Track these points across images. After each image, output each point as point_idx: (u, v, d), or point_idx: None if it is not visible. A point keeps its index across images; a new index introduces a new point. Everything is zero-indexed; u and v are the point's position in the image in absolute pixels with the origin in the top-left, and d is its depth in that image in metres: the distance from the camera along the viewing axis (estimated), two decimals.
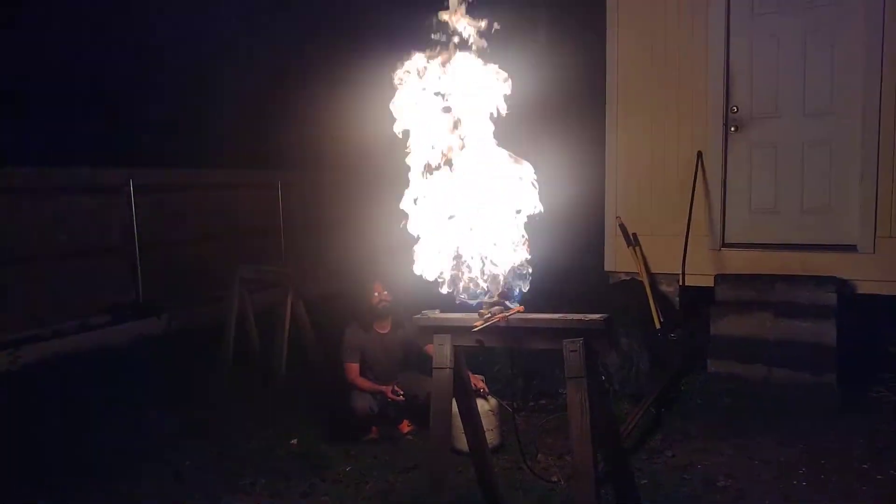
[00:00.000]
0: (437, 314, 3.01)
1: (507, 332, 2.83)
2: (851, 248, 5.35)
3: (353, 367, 4.46)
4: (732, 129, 5.77)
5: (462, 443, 3.67)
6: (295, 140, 11.49)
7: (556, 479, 3.65)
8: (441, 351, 2.98)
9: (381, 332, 4.54)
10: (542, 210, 2.77)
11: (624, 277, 6.14)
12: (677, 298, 5.88)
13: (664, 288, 5.94)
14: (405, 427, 4.51)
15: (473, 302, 2.86)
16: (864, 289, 5.26)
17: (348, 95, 11.85)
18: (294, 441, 4.39)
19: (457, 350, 3.01)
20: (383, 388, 4.35)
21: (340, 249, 10.57)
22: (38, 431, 4.50)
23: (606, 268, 6.28)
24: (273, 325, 5.78)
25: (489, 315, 2.82)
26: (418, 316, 3.04)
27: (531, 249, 2.88)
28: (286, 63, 12.09)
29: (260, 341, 6.22)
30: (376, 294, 4.46)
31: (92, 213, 7.09)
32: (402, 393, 4.31)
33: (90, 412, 4.77)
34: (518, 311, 2.84)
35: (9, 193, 6.35)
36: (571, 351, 2.67)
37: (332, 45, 12.35)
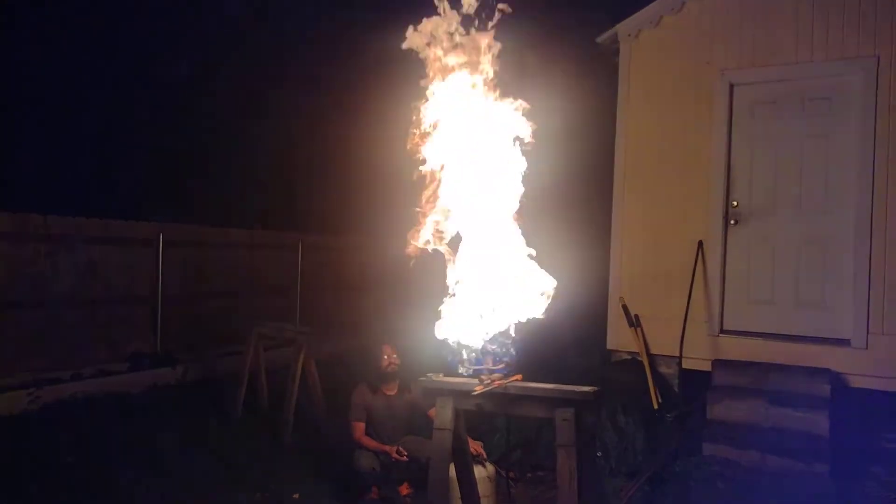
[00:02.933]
0: (440, 377, 3.27)
1: (504, 399, 3.08)
2: (845, 342, 5.54)
3: (360, 426, 4.65)
4: (732, 222, 6.10)
5: None
6: (317, 203, 12.04)
7: None
8: (443, 413, 3.22)
9: (389, 393, 4.75)
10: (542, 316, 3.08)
11: (625, 356, 6.34)
12: (676, 380, 6.05)
13: (663, 369, 6.12)
14: (405, 489, 4.66)
15: (476, 368, 3.12)
16: (857, 383, 5.42)
17: (373, 164, 12.47)
18: (296, 495, 4.55)
19: (458, 412, 3.25)
20: (388, 448, 4.53)
21: (355, 310, 10.89)
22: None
23: (609, 346, 6.49)
24: (284, 382, 6.01)
25: (489, 381, 3.08)
26: (423, 378, 3.30)
27: (535, 327, 3.17)
28: (314, 129, 12.78)
29: (270, 397, 6.45)
30: (385, 357, 4.70)
31: (121, 264, 7.48)
32: (406, 454, 4.49)
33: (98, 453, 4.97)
34: (516, 380, 3.10)
35: (45, 241, 6.75)
36: (563, 420, 2.91)
37: (358, 116, 13.05)
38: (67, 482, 4.49)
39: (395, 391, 4.76)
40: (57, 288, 6.81)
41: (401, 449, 4.50)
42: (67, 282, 6.90)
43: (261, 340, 6.45)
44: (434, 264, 3.20)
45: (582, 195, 8.23)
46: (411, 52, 3.04)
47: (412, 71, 3.11)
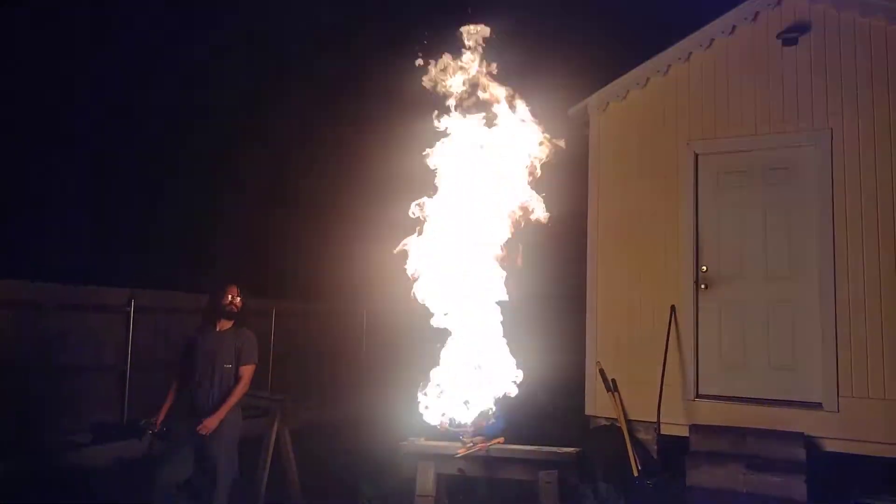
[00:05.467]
0: (422, 441, 3.23)
1: (487, 462, 3.06)
2: (817, 406, 5.62)
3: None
4: (703, 286, 6.25)
5: None
6: (290, 269, 12.05)
7: None
8: (425, 479, 3.18)
9: (220, 329, 4.67)
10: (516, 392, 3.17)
11: (604, 422, 6.31)
12: (654, 446, 6.02)
13: (642, 435, 6.10)
14: None
15: (457, 431, 3.11)
16: (831, 446, 5.46)
17: (350, 232, 12.63)
18: None
19: (439, 478, 3.20)
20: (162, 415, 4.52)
21: (328, 379, 10.70)
22: None
23: (587, 411, 6.47)
24: (257, 453, 5.82)
25: (471, 444, 3.06)
26: (404, 442, 3.26)
27: (515, 391, 3.20)
28: (287, 196, 12.98)
29: (241, 469, 6.22)
30: (229, 296, 4.63)
31: (90, 330, 7.30)
32: (156, 431, 4.48)
33: None
34: (498, 443, 3.09)
35: (13, 307, 6.58)
36: (546, 482, 2.89)
37: (336, 178, 13.29)
38: None
39: (227, 329, 4.67)
40: (21, 355, 6.60)
41: (159, 425, 4.49)
42: (31, 349, 6.69)
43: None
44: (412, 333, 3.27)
45: (560, 265, 8.37)
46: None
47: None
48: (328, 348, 10.88)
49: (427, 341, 3.28)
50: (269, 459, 5.68)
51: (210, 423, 4.42)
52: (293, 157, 13.17)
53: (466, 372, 3.19)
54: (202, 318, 4.72)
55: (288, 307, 10.12)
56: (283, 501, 5.86)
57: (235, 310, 4.63)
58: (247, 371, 4.70)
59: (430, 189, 3.42)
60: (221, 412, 4.51)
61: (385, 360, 11.01)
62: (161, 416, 4.41)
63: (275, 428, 5.75)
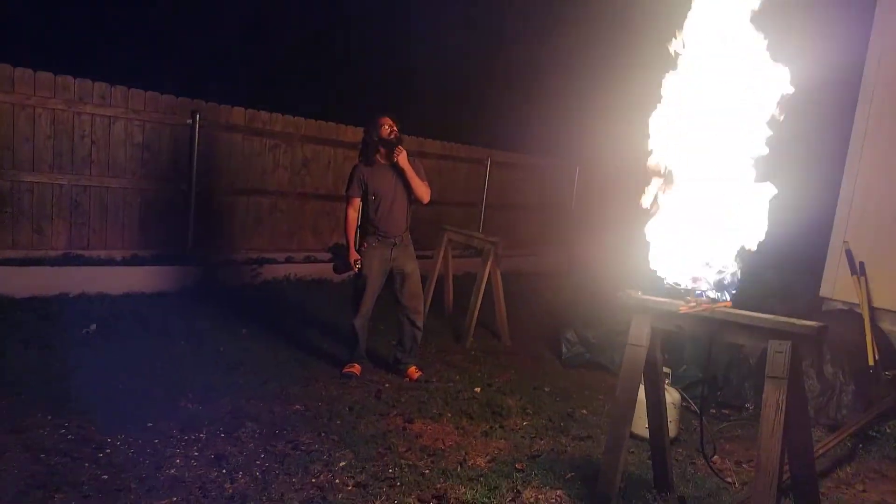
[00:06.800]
0: (640, 294, 3.17)
1: (710, 323, 2.92)
2: None
3: (354, 201, 4.79)
4: None
5: (636, 428, 3.81)
6: (508, 123, 12.06)
7: (730, 480, 3.63)
8: (639, 329, 3.14)
9: (384, 163, 4.72)
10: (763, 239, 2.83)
11: (839, 306, 5.69)
12: None
13: (886, 326, 5.41)
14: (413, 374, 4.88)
15: (681, 287, 2.98)
16: None
17: (567, 89, 12.17)
18: (478, 388, 4.80)
19: (654, 332, 3.15)
20: (353, 253, 4.76)
21: (537, 231, 10.93)
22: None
23: (822, 293, 5.85)
24: (470, 288, 6.25)
25: (695, 304, 2.93)
26: (622, 293, 3.22)
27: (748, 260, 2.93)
28: (511, 54, 12.71)
29: (455, 302, 6.77)
30: (386, 126, 4.63)
31: (329, 162, 8.09)
32: (358, 268, 4.72)
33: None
34: (725, 305, 2.92)
35: (269, 136, 7.47)
36: (777, 352, 2.70)
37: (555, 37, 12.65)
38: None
39: (390, 163, 4.71)
40: (271, 180, 7.56)
41: (355, 262, 4.71)
42: (284, 175, 7.64)
43: (449, 246, 6.72)
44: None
45: (810, 124, 7.29)
46: None
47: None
48: (538, 201, 10.99)
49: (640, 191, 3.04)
50: (480, 296, 6.09)
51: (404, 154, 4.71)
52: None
53: (695, 228, 2.95)
54: (361, 154, 4.82)
55: (503, 158, 10.25)
56: (490, 335, 6.34)
57: (396, 138, 4.68)
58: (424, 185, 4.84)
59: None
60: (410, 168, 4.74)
61: (595, 214, 10.86)
62: (352, 251, 4.78)
63: (488, 267, 6.08)
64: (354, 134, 8.24)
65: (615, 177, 9.98)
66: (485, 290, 6.07)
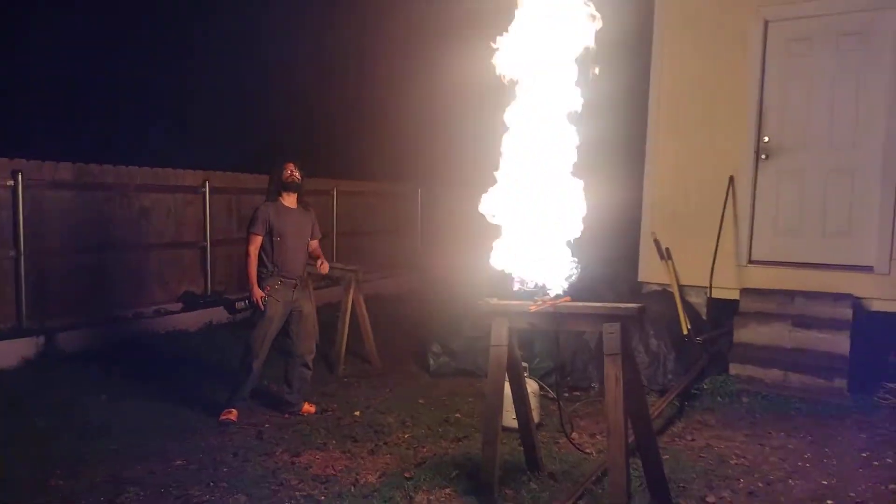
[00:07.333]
0: (496, 301, 3.61)
1: (556, 317, 3.43)
2: (868, 269, 5.79)
3: (256, 240, 4.84)
4: (763, 156, 6.28)
5: (506, 420, 4.26)
6: (350, 149, 12.40)
7: (589, 451, 4.20)
8: (499, 331, 3.59)
9: (288, 206, 4.95)
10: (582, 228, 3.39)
11: (656, 288, 6.66)
12: (704, 308, 6.38)
13: (692, 299, 6.44)
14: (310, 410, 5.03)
15: (529, 290, 3.46)
16: (877, 306, 5.71)
17: (402, 114, 12.72)
18: (357, 412, 5.02)
19: (512, 331, 3.61)
20: (256, 290, 4.77)
21: (390, 253, 11.32)
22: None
23: (640, 278, 6.81)
24: (332, 318, 6.44)
25: (541, 302, 3.42)
26: (480, 302, 3.64)
27: (577, 256, 3.49)
28: (350, 73, 13.07)
29: (321, 332, 6.90)
30: (288, 171, 4.88)
31: (171, 209, 7.86)
32: (262, 304, 4.75)
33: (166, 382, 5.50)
34: (566, 300, 3.44)
35: (101, 189, 7.12)
36: (610, 333, 3.25)
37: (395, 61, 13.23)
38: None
39: (295, 206, 4.99)
40: (111, 234, 7.21)
41: (262, 299, 4.75)
42: (123, 227, 7.31)
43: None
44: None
45: (616, 132, 8.39)
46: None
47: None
48: (388, 225, 11.41)
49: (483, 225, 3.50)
50: (346, 323, 6.30)
51: (326, 265, 5.18)
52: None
53: (532, 238, 3.45)
54: (267, 196, 4.96)
55: (348, 188, 10.54)
56: (360, 361, 6.56)
57: (297, 181, 4.90)
58: (317, 243, 5.14)
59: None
60: (326, 264, 5.22)
61: (442, 234, 11.49)
62: (256, 289, 4.79)
63: (350, 294, 6.31)
64: (194, 178, 8.11)
65: (455, 193, 10.69)
66: (350, 316, 6.30)
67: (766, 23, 6.19)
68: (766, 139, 6.27)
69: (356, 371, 6.23)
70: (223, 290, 8.26)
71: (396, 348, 7.00)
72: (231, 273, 8.47)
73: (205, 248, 8.14)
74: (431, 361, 6.20)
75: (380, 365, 6.43)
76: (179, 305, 7.75)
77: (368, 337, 6.49)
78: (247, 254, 4.83)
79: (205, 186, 8.10)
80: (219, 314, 7.68)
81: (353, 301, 6.33)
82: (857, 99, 5.94)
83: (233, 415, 4.81)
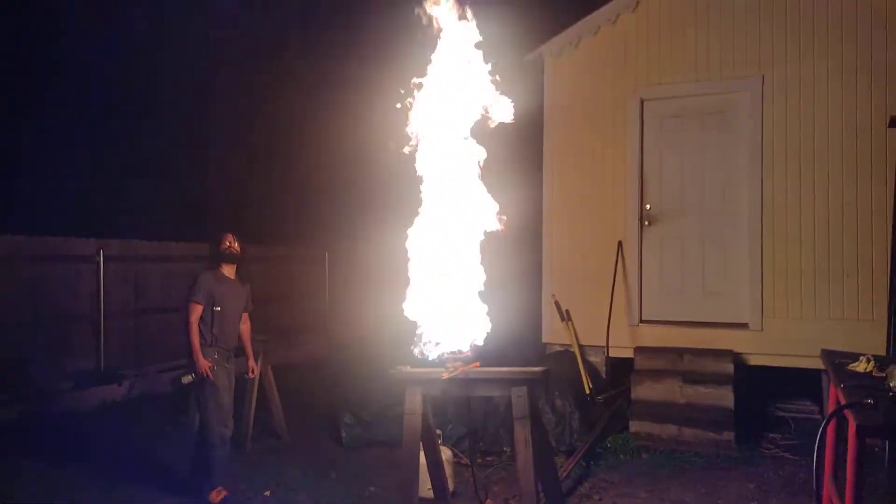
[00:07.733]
0: (408, 369, 3.70)
1: (467, 383, 3.56)
2: (744, 326, 6.37)
3: (197, 309, 4.73)
4: (646, 223, 6.85)
5: (421, 491, 4.27)
6: (251, 217, 12.25)
7: None
8: (412, 399, 3.66)
9: (228, 276, 4.94)
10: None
11: (558, 348, 6.97)
12: (604, 367, 6.73)
13: (592, 358, 6.79)
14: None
15: (439, 358, 3.58)
16: (755, 361, 6.26)
17: (307, 178, 12.77)
18: (267, 492, 4.85)
19: (425, 398, 3.69)
20: (202, 360, 4.64)
21: (294, 320, 11.11)
22: None
23: (544, 339, 7.11)
24: (240, 390, 6.23)
25: (453, 368, 3.55)
26: (393, 371, 3.71)
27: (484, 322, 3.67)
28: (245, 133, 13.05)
29: None
30: (227, 242, 4.90)
31: (62, 281, 7.43)
32: (209, 375, 4.64)
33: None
34: (475, 366, 3.59)
35: None
36: (518, 396, 3.41)
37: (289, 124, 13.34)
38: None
39: (234, 277, 5.00)
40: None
41: (210, 368, 4.65)
42: (8, 302, 6.82)
43: None
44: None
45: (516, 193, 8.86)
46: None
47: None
48: (294, 290, 11.25)
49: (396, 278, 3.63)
50: (254, 398, 6.12)
51: (256, 369, 5.18)
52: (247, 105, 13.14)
53: (442, 309, 3.60)
54: (208, 266, 4.96)
55: (254, 252, 10.35)
56: (268, 435, 6.35)
57: (236, 252, 4.90)
58: (247, 316, 5.15)
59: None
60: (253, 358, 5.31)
61: (350, 295, 11.46)
62: (201, 360, 4.64)
63: (258, 366, 6.15)
64: (83, 246, 7.73)
65: (362, 252, 10.77)
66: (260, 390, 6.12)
67: (643, 101, 6.89)
68: (648, 206, 6.86)
69: (266, 448, 6.02)
70: (118, 365, 7.80)
71: (308, 420, 6.84)
72: (126, 347, 8.04)
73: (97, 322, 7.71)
74: (344, 433, 6.11)
75: (289, 439, 6.25)
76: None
77: (277, 409, 6.32)
78: (188, 324, 4.70)
79: (99, 255, 7.74)
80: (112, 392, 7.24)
81: (260, 372, 6.17)
82: (722, 171, 6.66)
83: (225, 492, 4.67)
